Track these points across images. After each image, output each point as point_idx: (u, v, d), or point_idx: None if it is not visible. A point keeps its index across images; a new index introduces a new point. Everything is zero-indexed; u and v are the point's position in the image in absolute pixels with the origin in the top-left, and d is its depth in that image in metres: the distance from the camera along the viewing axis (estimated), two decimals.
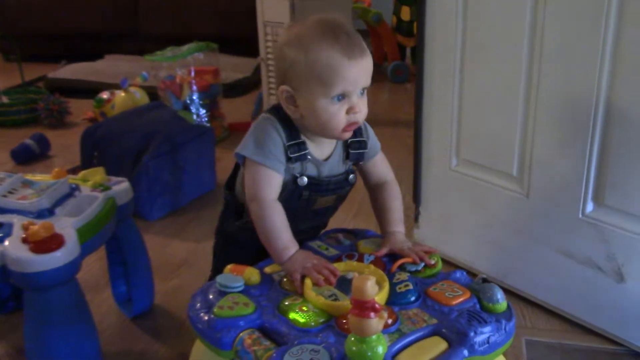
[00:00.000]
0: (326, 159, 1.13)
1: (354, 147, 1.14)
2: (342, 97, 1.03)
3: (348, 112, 1.04)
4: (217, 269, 1.21)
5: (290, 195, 1.11)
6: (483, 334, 0.90)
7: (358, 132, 1.14)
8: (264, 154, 1.07)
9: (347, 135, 1.08)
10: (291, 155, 1.08)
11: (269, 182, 1.07)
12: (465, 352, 0.88)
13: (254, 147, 1.08)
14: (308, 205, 1.14)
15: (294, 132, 1.09)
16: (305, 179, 1.10)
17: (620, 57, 1.23)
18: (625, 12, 1.21)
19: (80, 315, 1.21)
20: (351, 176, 1.17)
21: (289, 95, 1.06)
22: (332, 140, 1.12)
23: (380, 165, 1.21)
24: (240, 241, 1.21)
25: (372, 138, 1.18)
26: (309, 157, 1.10)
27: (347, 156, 1.15)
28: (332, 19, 1.05)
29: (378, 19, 3.88)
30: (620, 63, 1.24)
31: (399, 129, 2.93)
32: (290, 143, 1.08)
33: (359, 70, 1.03)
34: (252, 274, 1.03)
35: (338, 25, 1.04)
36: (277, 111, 1.11)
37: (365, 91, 1.06)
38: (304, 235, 1.17)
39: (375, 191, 1.22)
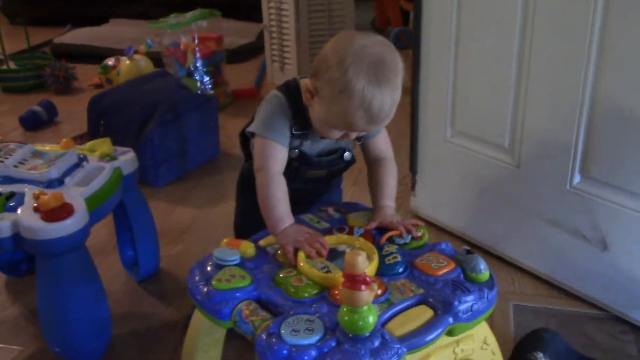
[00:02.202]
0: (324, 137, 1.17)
1: None
2: None
3: (343, 136, 1.12)
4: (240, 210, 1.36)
5: None
6: (466, 303, 0.94)
7: None
8: (272, 130, 1.13)
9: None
10: (295, 133, 1.14)
11: (274, 155, 1.13)
12: (450, 320, 0.92)
13: (262, 124, 1.14)
14: (298, 173, 1.20)
15: (302, 111, 1.14)
16: (296, 152, 1.16)
17: (608, 33, 1.26)
18: None
19: (89, 279, 1.26)
20: (346, 154, 1.22)
21: (310, 91, 1.09)
22: None
23: (380, 144, 1.24)
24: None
25: None
26: (310, 136, 1.16)
27: None
28: (387, 68, 1.03)
29: None
30: (608, 39, 1.26)
31: (401, 96, 2.96)
32: (296, 122, 1.14)
33: (372, 128, 1.10)
34: (247, 247, 1.05)
35: (385, 81, 1.02)
36: (288, 90, 1.16)
37: None
38: (296, 193, 1.20)
39: (372, 166, 1.25)
